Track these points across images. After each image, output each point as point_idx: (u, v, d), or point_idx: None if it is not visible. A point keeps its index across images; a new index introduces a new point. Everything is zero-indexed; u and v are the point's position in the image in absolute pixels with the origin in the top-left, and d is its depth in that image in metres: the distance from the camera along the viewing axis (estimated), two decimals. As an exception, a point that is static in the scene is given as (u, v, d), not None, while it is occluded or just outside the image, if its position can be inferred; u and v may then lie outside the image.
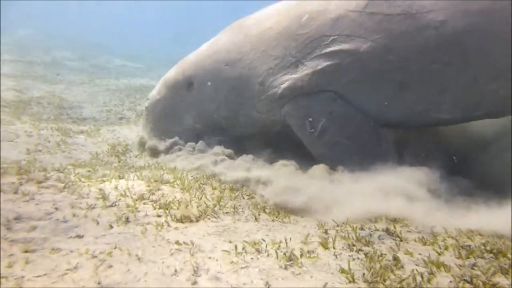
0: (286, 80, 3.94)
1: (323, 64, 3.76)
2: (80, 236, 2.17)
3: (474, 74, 3.45)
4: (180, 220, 2.52)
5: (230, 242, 2.26)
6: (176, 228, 2.41)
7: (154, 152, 4.63)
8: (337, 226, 2.56)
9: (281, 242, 2.22)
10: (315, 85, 3.81)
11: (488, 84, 3.45)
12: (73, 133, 5.41)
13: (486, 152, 4.03)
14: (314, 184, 3.28)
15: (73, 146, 4.74)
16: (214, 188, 3.34)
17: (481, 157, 3.95)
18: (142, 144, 4.87)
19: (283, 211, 2.91)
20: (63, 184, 3.00)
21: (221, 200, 2.97)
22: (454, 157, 3.89)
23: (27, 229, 2.18)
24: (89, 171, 3.56)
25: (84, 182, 3.14)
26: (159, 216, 2.56)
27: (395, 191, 3.04)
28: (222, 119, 4.53)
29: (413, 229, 2.57)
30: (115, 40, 25.47)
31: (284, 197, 3.03)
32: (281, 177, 3.46)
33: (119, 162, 4.25)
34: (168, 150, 4.59)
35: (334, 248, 2.19)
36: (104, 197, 2.71)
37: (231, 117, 4.47)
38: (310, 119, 3.81)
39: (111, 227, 2.31)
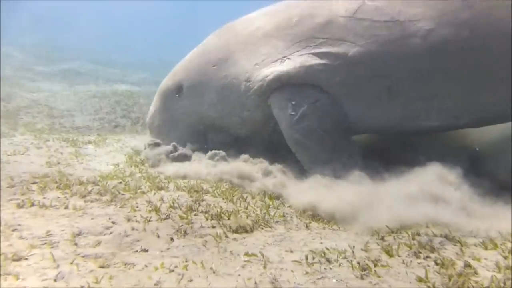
0: (271, 72, 4.02)
1: (311, 61, 3.87)
2: (145, 250, 2.23)
3: (461, 83, 3.57)
4: (236, 231, 2.58)
5: (291, 251, 2.33)
6: (235, 239, 2.47)
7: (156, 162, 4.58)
8: (392, 232, 2.63)
9: (346, 250, 2.29)
10: (302, 78, 3.90)
11: (475, 92, 3.58)
12: (81, 143, 5.47)
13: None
14: (337, 190, 3.34)
15: (88, 157, 4.77)
16: (254, 197, 3.42)
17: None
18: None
19: (312, 217, 2.97)
20: (106, 197, 3.07)
21: (269, 208, 3.04)
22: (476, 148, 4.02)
23: (92, 244, 2.23)
24: (120, 182, 3.61)
25: (123, 194, 3.21)
26: (213, 227, 2.63)
27: (429, 195, 3.12)
28: (212, 120, 4.61)
29: (467, 233, 2.65)
30: (82, 43, 24.70)
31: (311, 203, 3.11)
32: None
33: (141, 172, 4.27)
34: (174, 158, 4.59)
35: (399, 255, 2.26)
36: (157, 210, 2.77)
37: (222, 118, 4.55)
38: (293, 102, 3.89)
39: (172, 240, 2.37)
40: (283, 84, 3.99)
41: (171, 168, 4.23)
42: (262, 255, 2.19)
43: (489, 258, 2.19)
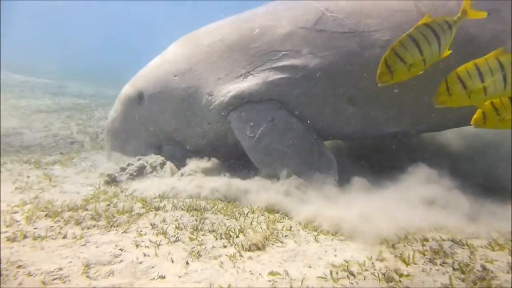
0: (233, 89, 4.15)
1: (273, 76, 4.02)
2: (162, 277, 2.19)
3: (419, 91, 3.81)
4: (249, 249, 2.58)
5: (310, 267, 2.37)
6: (250, 258, 2.47)
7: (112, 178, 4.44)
8: (401, 239, 2.74)
9: (365, 262, 2.36)
10: (263, 94, 4.05)
11: (430, 100, 3.85)
12: (45, 164, 5.22)
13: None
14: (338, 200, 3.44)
15: (59, 179, 4.55)
16: (253, 211, 3.43)
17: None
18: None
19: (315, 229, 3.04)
20: (102, 222, 2.96)
21: (274, 223, 3.06)
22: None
23: (105, 275, 2.16)
24: (109, 205, 3.50)
25: (118, 217, 3.11)
26: (225, 246, 2.61)
27: (425, 199, 3.29)
28: (173, 131, 4.64)
29: (470, 235, 2.82)
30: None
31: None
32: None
33: (123, 191, 4.13)
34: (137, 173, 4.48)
35: (415, 263, 2.36)
36: (164, 233, 2.71)
37: (182, 129, 4.60)
38: (251, 124, 4.04)
39: (188, 263, 2.34)
40: (244, 102, 4.10)
41: (151, 185, 4.12)
42: (287, 273, 2.21)
43: (499, 259, 2.35)
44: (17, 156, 5.65)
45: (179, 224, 2.89)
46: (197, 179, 4.01)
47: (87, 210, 3.28)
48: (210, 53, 4.44)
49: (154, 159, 4.59)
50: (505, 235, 2.77)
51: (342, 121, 4.10)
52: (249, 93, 4.06)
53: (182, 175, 4.22)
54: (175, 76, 4.56)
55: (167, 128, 4.65)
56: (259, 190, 3.73)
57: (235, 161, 4.57)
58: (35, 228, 2.75)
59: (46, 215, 3.01)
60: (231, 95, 4.13)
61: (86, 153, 6.17)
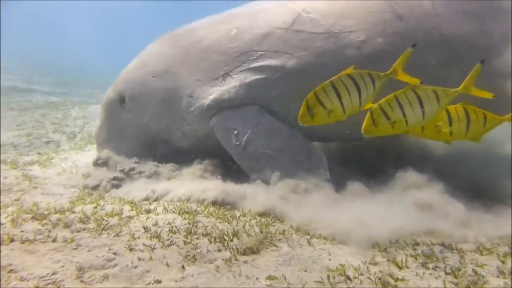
0: (214, 92, 4.19)
1: (250, 78, 4.09)
2: (158, 281, 2.17)
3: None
4: (244, 253, 2.59)
5: (306, 271, 2.40)
6: (245, 262, 2.49)
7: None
8: (393, 244, 2.81)
9: (360, 266, 2.41)
10: (242, 97, 4.11)
11: None
12: (23, 164, 5.07)
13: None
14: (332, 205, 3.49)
15: (39, 180, 4.43)
16: (245, 215, 3.44)
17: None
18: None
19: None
20: (91, 225, 2.92)
21: (267, 227, 3.09)
22: None
23: (99, 280, 2.13)
24: (96, 207, 3.44)
25: (108, 220, 3.07)
26: (220, 250, 2.62)
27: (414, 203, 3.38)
28: (155, 132, 4.64)
29: (459, 240, 2.91)
30: None
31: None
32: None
33: (108, 192, 4.08)
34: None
35: (407, 267, 2.43)
36: (158, 236, 2.70)
37: (163, 130, 4.62)
38: (236, 132, 4.09)
39: (183, 268, 2.33)
40: (224, 107, 4.14)
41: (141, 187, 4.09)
42: (285, 277, 2.23)
43: (488, 264, 2.45)
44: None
45: (172, 228, 2.88)
46: (190, 182, 3.98)
47: (74, 212, 3.22)
48: (188, 54, 4.46)
49: (149, 165, 4.52)
50: (492, 239, 2.88)
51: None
52: (228, 97, 4.10)
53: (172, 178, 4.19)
54: (153, 77, 4.56)
55: (151, 129, 4.63)
56: (255, 194, 3.73)
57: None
58: (22, 231, 2.68)
59: (32, 218, 2.94)
60: (211, 98, 4.15)
61: (65, 153, 6.04)
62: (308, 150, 4.05)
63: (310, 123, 3.05)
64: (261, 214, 3.41)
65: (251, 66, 4.11)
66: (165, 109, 4.44)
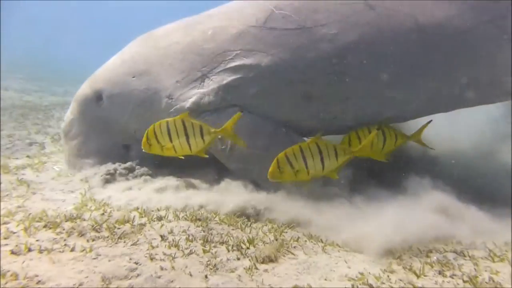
0: (193, 94, 4.27)
1: (228, 78, 4.16)
2: (184, 292, 2.22)
3: (371, 83, 4.05)
4: (263, 261, 2.66)
5: (326, 279, 2.48)
6: (265, 271, 2.55)
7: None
8: (406, 251, 2.91)
9: (380, 275, 2.50)
10: (221, 100, 4.18)
11: (385, 91, 4.09)
12: (14, 169, 4.96)
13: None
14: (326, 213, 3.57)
15: (36, 185, 4.37)
16: (256, 221, 3.50)
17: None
18: None
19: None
20: (104, 233, 2.93)
21: (282, 234, 3.16)
22: None
23: (125, 291, 2.16)
24: (103, 214, 3.46)
25: (119, 227, 3.09)
26: (238, 259, 2.68)
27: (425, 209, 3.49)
28: (134, 132, 4.67)
29: (469, 246, 3.04)
30: None
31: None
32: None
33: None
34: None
35: (425, 275, 2.53)
36: (177, 245, 2.74)
37: (143, 131, 4.52)
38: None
39: (207, 277, 2.39)
40: (204, 110, 4.22)
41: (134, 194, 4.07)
42: (310, 286, 2.31)
43: (501, 271, 2.57)
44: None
45: (188, 236, 2.92)
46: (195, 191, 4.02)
47: (84, 220, 3.23)
48: (167, 55, 4.51)
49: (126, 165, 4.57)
50: (501, 246, 3.02)
51: (300, 118, 4.25)
52: (208, 100, 4.17)
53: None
54: (133, 77, 4.60)
55: (129, 129, 4.67)
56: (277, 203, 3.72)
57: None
58: (37, 240, 2.69)
59: (45, 226, 2.94)
60: (191, 101, 4.22)
61: (55, 156, 5.95)
62: (293, 143, 4.12)
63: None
64: (271, 221, 3.48)
65: (228, 66, 4.18)
66: (145, 109, 4.48)
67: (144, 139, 3.73)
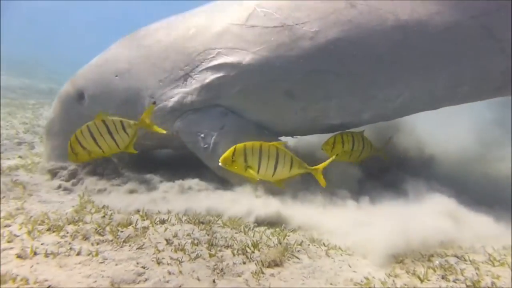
0: (176, 94, 4.33)
1: (210, 77, 4.21)
2: (192, 296, 2.25)
3: (352, 80, 4.14)
4: (268, 265, 2.70)
5: (331, 284, 2.53)
6: (272, 275, 2.59)
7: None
8: (409, 255, 2.97)
9: (385, 279, 2.55)
10: (204, 99, 4.24)
11: (367, 89, 4.18)
12: (8, 169, 4.89)
13: None
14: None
15: (30, 187, 4.30)
16: (259, 224, 3.53)
17: None
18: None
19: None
20: (107, 237, 2.94)
21: (285, 238, 3.20)
22: None
23: (134, 295, 2.18)
24: (104, 216, 3.46)
25: (122, 231, 3.10)
26: (244, 263, 2.71)
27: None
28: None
29: (469, 250, 3.11)
30: None
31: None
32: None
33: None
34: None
35: (428, 279, 2.60)
36: (183, 249, 2.76)
37: None
38: (202, 135, 4.22)
39: (214, 282, 2.41)
40: (187, 109, 4.27)
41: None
42: (317, 291, 2.35)
43: (502, 275, 2.64)
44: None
45: (194, 240, 2.95)
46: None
47: (86, 223, 3.23)
48: (150, 54, 4.55)
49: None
50: (499, 250, 3.10)
51: (283, 117, 4.32)
52: (191, 100, 4.22)
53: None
54: (116, 76, 4.62)
55: None
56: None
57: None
58: (42, 244, 2.69)
59: (48, 229, 2.93)
60: (174, 100, 4.27)
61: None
62: (272, 139, 4.16)
63: (77, 162, 4.09)
64: (273, 223, 3.51)
65: (210, 64, 4.21)
66: (127, 109, 4.49)
67: (68, 150, 4.09)
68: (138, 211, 3.63)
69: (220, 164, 3.52)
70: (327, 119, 4.33)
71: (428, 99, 4.37)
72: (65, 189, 4.32)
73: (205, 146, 4.16)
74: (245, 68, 4.10)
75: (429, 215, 3.28)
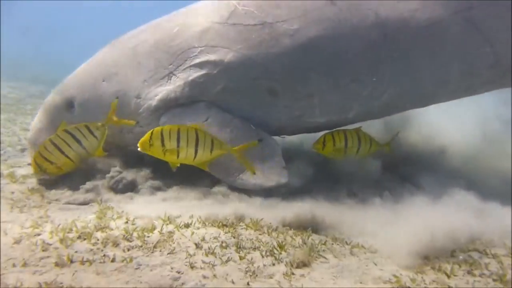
0: (160, 92, 4.38)
1: (193, 75, 4.27)
2: (230, 299, 2.31)
3: (334, 78, 4.18)
4: (297, 266, 2.76)
5: (361, 282, 2.60)
6: (302, 276, 2.66)
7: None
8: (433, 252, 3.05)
9: (414, 277, 2.62)
10: (188, 96, 4.30)
11: (350, 86, 4.20)
12: (22, 178, 4.78)
13: None
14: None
15: (46, 194, 4.25)
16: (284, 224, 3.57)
17: None
18: None
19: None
20: (135, 243, 3.00)
21: (309, 237, 3.27)
22: None
23: (174, 300, 2.25)
24: (127, 222, 3.51)
25: (149, 236, 3.16)
26: (274, 264, 2.77)
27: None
28: (108, 137, 4.66)
29: (489, 244, 3.19)
30: None
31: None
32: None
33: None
34: None
35: (455, 275, 2.67)
36: (213, 253, 2.82)
37: (116, 134, 4.71)
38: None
39: (249, 284, 2.48)
40: (171, 105, 4.32)
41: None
42: (351, 290, 2.42)
43: (525, 268, 2.73)
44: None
45: (222, 243, 3.01)
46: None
47: (112, 229, 3.29)
48: (135, 55, 4.61)
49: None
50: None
51: (267, 115, 4.35)
52: (174, 96, 4.28)
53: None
54: (103, 81, 4.66)
55: None
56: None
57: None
58: (76, 252, 2.75)
59: (79, 237, 2.99)
60: (158, 98, 4.32)
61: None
62: (259, 134, 4.23)
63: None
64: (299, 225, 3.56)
65: (193, 63, 4.28)
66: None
67: (33, 166, 4.28)
68: (159, 216, 3.68)
69: (139, 148, 3.64)
70: (312, 117, 4.35)
71: (414, 96, 4.41)
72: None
73: None
74: (227, 66, 4.16)
75: (453, 211, 3.35)
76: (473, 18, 4.05)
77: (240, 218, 3.61)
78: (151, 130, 3.61)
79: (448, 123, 6.59)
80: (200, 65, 4.24)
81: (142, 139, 3.61)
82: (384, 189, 3.98)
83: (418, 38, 4.05)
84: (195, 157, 3.68)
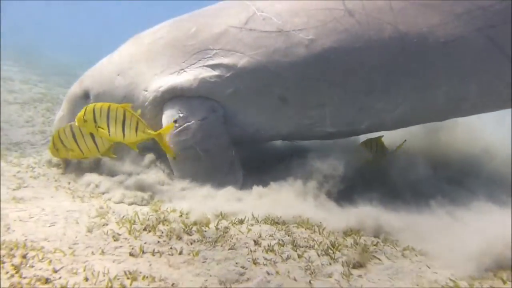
0: (166, 82, 4.46)
1: (204, 73, 4.32)
2: (294, 295, 2.44)
3: (347, 90, 4.13)
4: (353, 266, 2.86)
5: (417, 285, 2.67)
6: (360, 276, 2.75)
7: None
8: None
9: (472, 282, 2.68)
10: (195, 90, 4.34)
11: (363, 99, 4.16)
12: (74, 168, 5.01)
13: None
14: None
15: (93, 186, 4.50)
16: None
17: None
18: None
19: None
20: (194, 237, 3.16)
21: (360, 237, 3.36)
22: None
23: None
24: (181, 215, 3.67)
25: (206, 230, 3.32)
26: (330, 264, 2.88)
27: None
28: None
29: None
30: None
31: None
32: None
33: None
34: None
35: (510, 281, 2.71)
36: (272, 250, 2.96)
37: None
38: (181, 115, 4.31)
39: (310, 283, 2.60)
40: (176, 96, 4.40)
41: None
42: (414, 293, 2.51)
43: None
44: (18, 154, 5.48)
45: (279, 241, 3.14)
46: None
47: (171, 222, 3.47)
48: (150, 51, 4.72)
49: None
50: None
51: (277, 121, 4.40)
52: (181, 87, 4.35)
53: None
54: (118, 75, 4.83)
55: None
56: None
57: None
58: (145, 243, 2.94)
59: (144, 229, 3.19)
60: (163, 89, 4.42)
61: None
62: (231, 164, 4.34)
63: (58, 157, 4.58)
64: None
65: (206, 64, 4.35)
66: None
67: (50, 144, 4.50)
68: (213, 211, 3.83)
69: (76, 123, 3.98)
70: (323, 127, 4.37)
71: (429, 111, 4.36)
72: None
73: (176, 125, 4.28)
74: (239, 70, 4.22)
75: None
76: (495, 37, 3.96)
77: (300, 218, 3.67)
78: (86, 106, 3.93)
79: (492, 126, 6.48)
80: (213, 67, 4.31)
81: (79, 114, 3.91)
82: (436, 193, 3.98)
83: (436, 54, 3.99)
84: (124, 136, 3.93)
